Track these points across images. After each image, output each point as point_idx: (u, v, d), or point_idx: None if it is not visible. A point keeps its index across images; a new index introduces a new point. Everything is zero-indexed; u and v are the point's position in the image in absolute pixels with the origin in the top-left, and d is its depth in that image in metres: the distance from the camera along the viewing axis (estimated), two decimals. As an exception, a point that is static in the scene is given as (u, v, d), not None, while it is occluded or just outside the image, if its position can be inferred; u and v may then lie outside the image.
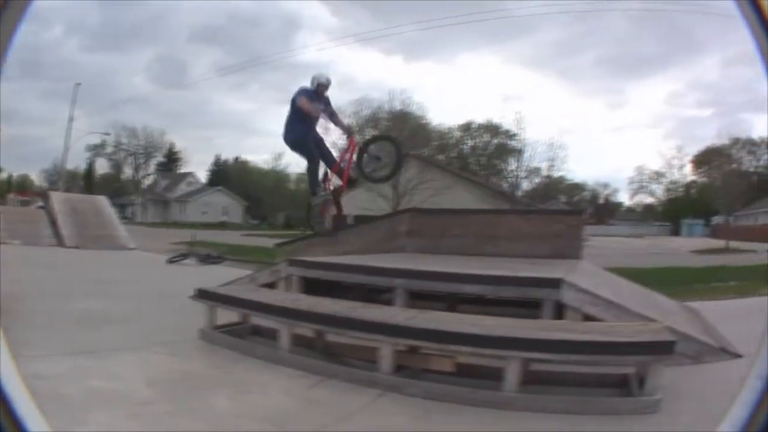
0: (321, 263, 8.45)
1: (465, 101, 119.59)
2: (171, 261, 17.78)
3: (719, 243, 44.29)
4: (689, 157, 78.41)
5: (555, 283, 6.36)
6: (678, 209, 78.98)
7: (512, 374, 4.88)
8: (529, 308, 6.79)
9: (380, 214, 18.88)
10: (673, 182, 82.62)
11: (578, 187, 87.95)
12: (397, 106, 52.53)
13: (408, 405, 4.92)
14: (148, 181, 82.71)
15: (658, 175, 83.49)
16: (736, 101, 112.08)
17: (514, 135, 60.34)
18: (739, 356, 6.11)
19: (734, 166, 71.14)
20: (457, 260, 8.50)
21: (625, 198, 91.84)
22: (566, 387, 5.18)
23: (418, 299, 7.44)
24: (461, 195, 39.56)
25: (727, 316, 8.91)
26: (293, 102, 9.64)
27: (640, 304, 6.92)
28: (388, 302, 7.39)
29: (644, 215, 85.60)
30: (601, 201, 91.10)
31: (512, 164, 60.92)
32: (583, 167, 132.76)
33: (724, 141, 76.68)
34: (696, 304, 9.85)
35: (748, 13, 1.83)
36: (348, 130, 10.69)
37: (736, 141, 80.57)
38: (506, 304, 7.15)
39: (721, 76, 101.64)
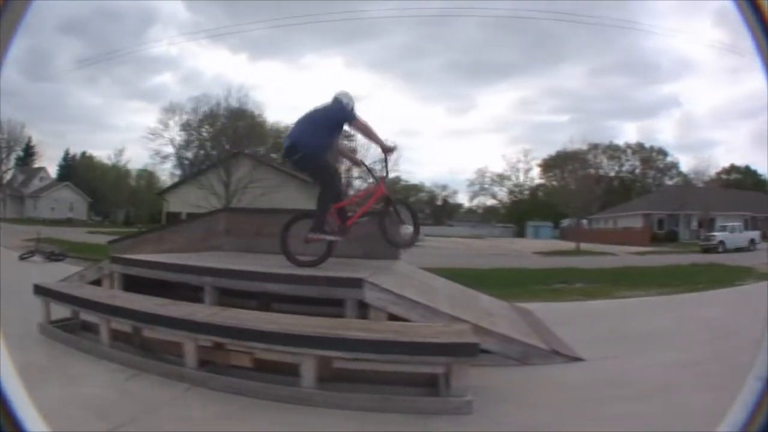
0: (139, 261, 8.48)
1: (306, 101, 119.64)
2: (22, 258, 18.35)
3: (569, 245, 46.23)
4: (537, 161, 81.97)
5: (356, 283, 6.49)
6: (523, 212, 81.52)
7: (308, 371, 5.01)
8: (341, 307, 6.74)
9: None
10: (517, 185, 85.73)
11: (415, 188, 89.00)
12: (234, 104, 52.26)
13: (213, 399, 5.06)
14: (8, 176, 78.71)
15: (501, 178, 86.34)
16: (597, 108, 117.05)
17: (350, 135, 60.79)
18: (578, 359, 6.37)
19: (591, 170, 72.90)
20: (270, 259, 8.42)
21: (465, 200, 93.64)
22: (373, 385, 5.25)
23: (234, 297, 7.48)
24: (292, 194, 39.60)
25: (571, 318, 9.44)
26: (348, 112, 8.10)
27: (455, 305, 7.10)
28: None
29: (485, 217, 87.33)
30: (439, 202, 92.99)
31: (348, 164, 61.25)
32: (423, 169, 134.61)
33: (581, 146, 79.68)
34: (536, 306, 10.25)
35: (747, 14, 1.81)
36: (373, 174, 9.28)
37: (594, 146, 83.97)
38: (319, 303, 7.09)
39: (586, 84, 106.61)
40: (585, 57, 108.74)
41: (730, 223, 51.19)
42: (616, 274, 19.33)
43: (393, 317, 6.21)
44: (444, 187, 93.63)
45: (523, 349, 6.23)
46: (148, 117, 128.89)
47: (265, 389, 5.10)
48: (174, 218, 37.45)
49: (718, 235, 47.66)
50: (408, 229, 8.67)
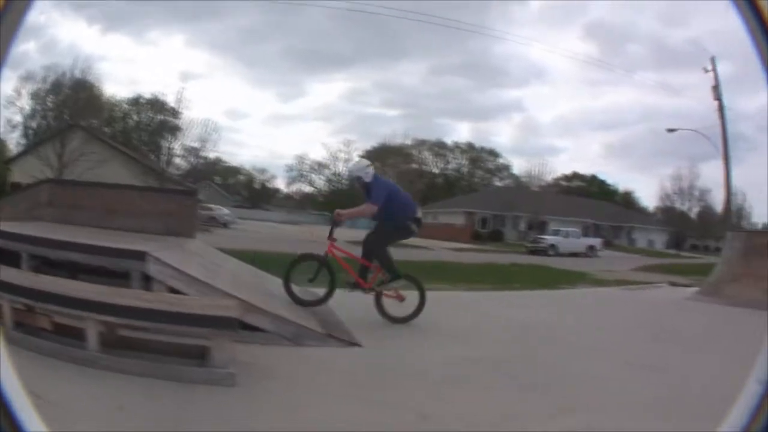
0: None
1: (146, 76, 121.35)
2: None
3: None
4: (358, 152, 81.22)
5: (140, 256, 6.71)
6: (340, 201, 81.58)
7: (92, 335, 5.24)
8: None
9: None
10: (336, 174, 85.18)
11: (235, 171, 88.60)
12: (78, 75, 50.77)
13: (25, 359, 4.81)
14: None
15: (320, 166, 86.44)
16: (432, 106, 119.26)
17: (177, 113, 60.16)
18: (355, 344, 6.69)
19: (414, 165, 75.33)
20: (80, 231, 8.53)
21: (283, 185, 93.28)
22: (151, 353, 5.46)
23: (56, 267, 7.48)
24: (117, 170, 39.28)
25: (366, 307, 9.33)
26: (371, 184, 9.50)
27: (236, 285, 7.38)
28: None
29: (302, 203, 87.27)
30: (257, 186, 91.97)
31: (171, 142, 60.48)
32: (246, 152, 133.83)
33: (405, 141, 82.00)
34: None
35: (746, 14, 1.81)
36: None
37: (421, 142, 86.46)
38: (120, 275, 7.12)
39: (424, 81, 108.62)
40: (428, 56, 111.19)
41: (565, 228, 52.90)
42: (425, 268, 18.93)
43: (174, 291, 6.40)
44: (263, 171, 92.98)
45: (296, 330, 6.55)
46: (9, 85, 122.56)
47: (61, 350, 5.32)
48: (16, 188, 36.18)
49: (549, 238, 49.02)
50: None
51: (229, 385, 4.93)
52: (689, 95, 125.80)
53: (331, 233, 9.17)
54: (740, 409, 1.72)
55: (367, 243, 9.34)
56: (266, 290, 8.46)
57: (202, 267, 7.50)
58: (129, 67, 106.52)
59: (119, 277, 7.13)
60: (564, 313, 11.53)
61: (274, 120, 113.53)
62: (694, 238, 75.78)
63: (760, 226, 61.83)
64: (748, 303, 12.27)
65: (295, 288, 8.40)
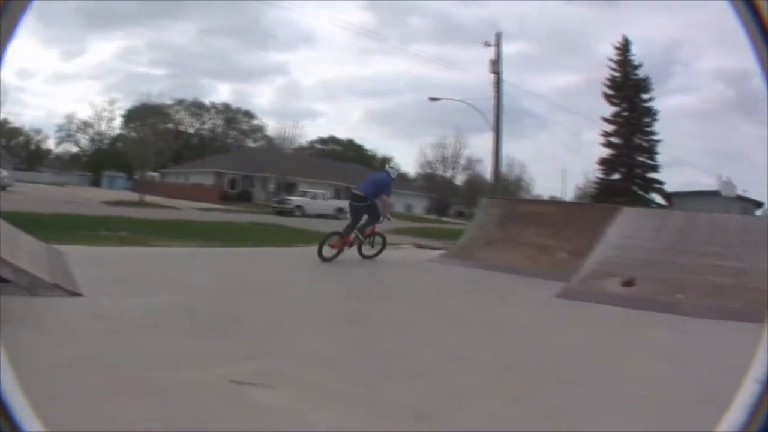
0: None
1: None
2: None
3: (134, 196, 46.39)
4: (122, 111, 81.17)
5: None
6: (101, 161, 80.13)
7: None
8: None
9: None
10: (99, 133, 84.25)
11: (17, 132, 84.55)
12: None
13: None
14: None
15: (86, 126, 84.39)
16: (198, 66, 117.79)
17: None
18: (76, 294, 7.15)
19: (170, 125, 73.72)
20: None
21: (57, 146, 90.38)
22: None
23: None
24: None
25: (99, 261, 10.08)
26: (391, 181, 14.71)
27: None
28: None
29: (69, 164, 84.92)
30: (33, 147, 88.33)
31: None
32: (29, 112, 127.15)
33: (165, 100, 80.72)
34: (73, 249, 10.79)
35: (744, 14, 1.72)
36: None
37: (179, 102, 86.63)
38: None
39: (193, 41, 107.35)
40: (203, 16, 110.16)
41: (313, 190, 53.80)
42: (164, 226, 20.26)
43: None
44: (38, 131, 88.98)
45: (31, 280, 6.91)
46: None
47: None
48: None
49: (296, 199, 49.91)
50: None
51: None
52: (472, 70, 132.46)
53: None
54: (738, 409, 1.66)
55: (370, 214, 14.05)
56: (14, 244, 8.50)
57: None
58: None
59: None
60: (282, 268, 12.39)
61: (55, 79, 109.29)
62: (462, 206, 78.81)
63: (546, 198, 66.19)
64: (498, 267, 13.38)
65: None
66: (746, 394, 1.67)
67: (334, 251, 13.29)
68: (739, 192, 51.50)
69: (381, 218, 14.22)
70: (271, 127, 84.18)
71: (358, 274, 12.78)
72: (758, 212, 49.46)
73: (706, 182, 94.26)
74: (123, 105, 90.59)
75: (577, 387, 5.17)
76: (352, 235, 13.75)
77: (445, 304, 9.68)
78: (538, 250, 13.84)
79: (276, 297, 8.78)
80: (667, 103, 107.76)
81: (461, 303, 9.91)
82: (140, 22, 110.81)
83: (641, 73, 66.00)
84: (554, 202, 18.84)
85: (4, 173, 50.18)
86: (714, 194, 48.20)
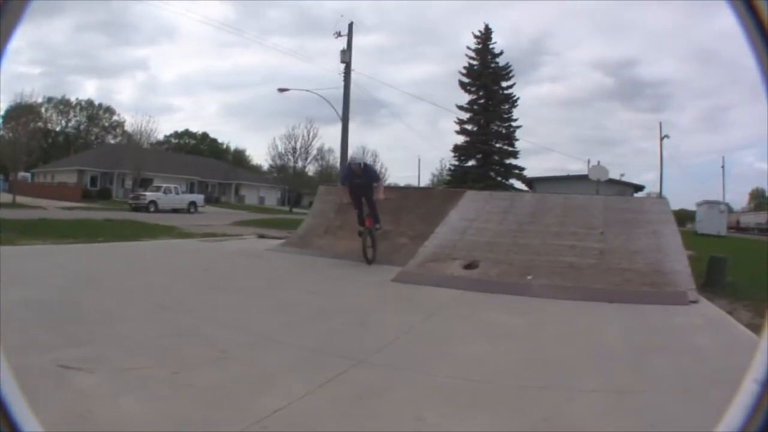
0: None
1: None
2: None
3: (9, 198, 44.80)
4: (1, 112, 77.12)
5: None
6: None
7: None
8: None
9: None
10: None
11: None
12: None
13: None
14: None
15: None
16: (68, 64, 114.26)
17: None
18: None
19: (40, 124, 70.56)
20: None
21: None
22: None
23: None
24: None
25: None
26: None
27: None
28: None
29: None
30: None
31: None
32: None
33: (36, 99, 77.34)
34: None
35: (743, 14, 1.66)
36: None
37: (49, 100, 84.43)
38: None
39: (69, 39, 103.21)
40: (78, 12, 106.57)
41: (166, 185, 53.70)
42: (30, 225, 20.26)
43: None
44: None
45: None
46: None
47: None
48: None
49: (150, 195, 49.86)
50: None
51: None
52: (325, 62, 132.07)
53: (363, 216, 13.63)
54: (737, 410, 1.62)
55: (370, 200, 13.51)
56: None
57: None
58: None
59: None
60: (124, 261, 12.71)
61: None
62: (314, 196, 78.45)
63: (402, 185, 67.33)
64: (336, 254, 13.61)
65: None
66: (745, 394, 1.65)
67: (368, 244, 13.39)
68: (616, 177, 53.54)
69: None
70: (130, 122, 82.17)
71: (193, 264, 12.89)
72: (638, 195, 49.48)
73: (576, 168, 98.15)
74: (2, 106, 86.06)
75: (390, 369, 5.29)
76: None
77: (273, 290, 9.80)
78: (378, 236, 13.79)
79: (113, 289, 8.84)
80: (535, 92, 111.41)
81: (290, 289, 10.01)
82: (29, 20, 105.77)
83: (502, 61, 67.79)
84: (396, 188, 19.18)
85: None
86: (582, 178, 49.58)
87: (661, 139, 67.73)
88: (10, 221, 21.21)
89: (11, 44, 1.75)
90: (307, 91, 41.94)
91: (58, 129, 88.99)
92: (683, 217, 58.03)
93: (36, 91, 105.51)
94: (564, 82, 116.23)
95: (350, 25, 37.49)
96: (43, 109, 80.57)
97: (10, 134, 54.79)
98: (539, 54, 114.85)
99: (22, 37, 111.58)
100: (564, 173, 62.08)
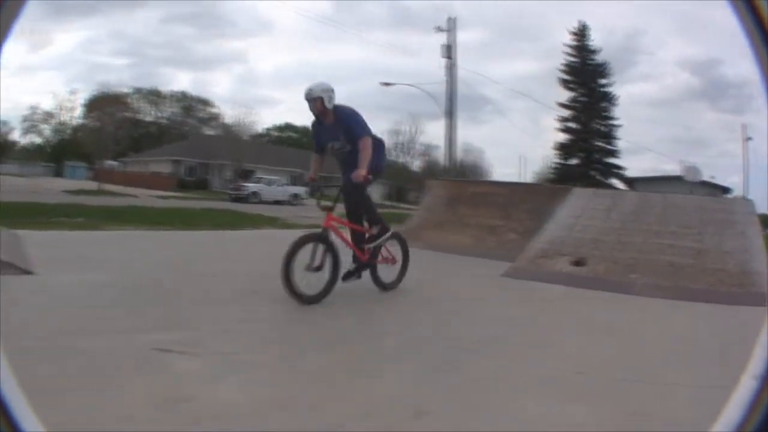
0: None
1: None
2: None
3: (95, 185, 46.52)
4: (83, 101, 78.92)
5: None
6: (64, 151, 78.88)
7: None
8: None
9: None
10: (61, 123, 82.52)
11: None
12: None
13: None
14: None
15: (48, 116, 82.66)
16: (157, 55, 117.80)
17: None
18: (28, 272, 7.42)
19: (128, 114, 72.84)
20: None
21: (19, 137, 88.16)
22: None
23: None
24: None
25: (53, 243, 10.55)
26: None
27: None
28: None
29: (33, 155, 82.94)
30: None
31: None
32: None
33: (124, 89, 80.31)
34: (28, 233, 11.03)
35: (743, 14, 1.65)
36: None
37: (138, 90, 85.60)
38: None
39: (153, 31, 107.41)
40: (162, 5, 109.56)
41: (268, 177, 54.06)
42: (119, 212, 20.65)
43: None
44: (5, 123, 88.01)
45: None
46: None
47: None
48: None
49: (252, 186, 50.04)
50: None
51: None
52: (426, 57, 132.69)
53: (333, 202, 7.62)
54: (736, 406, 1.63)
55: (353, 196, 7.80)
56: None
57: None
58: None
59: None
60: (220, 249, 12.71)
61: (21, 71, 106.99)
62: (418, 191, 78.83)
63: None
64: (446, 248, 13.22)
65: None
66: (743, 390, 1.64)
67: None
68: (706, 178, 52.26)
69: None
70: (229, 114, 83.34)
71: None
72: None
73: (669, 168, 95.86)
74: (84, 95, 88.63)
75: (496, 360, 5.24)
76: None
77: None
78: (487, 230, 13.69)
79: (204, 274, 8.77)
80: (629, 91, 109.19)
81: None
82: (103, 11, 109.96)
83: (599, 58, 66.83)
84: (504, 183, 18.74)
85: None
86: (677, 179, 48.57)
87: (745, 141, 65.02)
88: (97, 208, 21.77)
89: (6, 44, 1.67)
90: (410, 85, 41.81)
91: (148, 119, 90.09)
92: (765, 222, 56.14)
93: (123, 82, 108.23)
94: (655, 81, 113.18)
95: (453, 20, 36.99)
96: (130, 99, 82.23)
97: (93, 123, 56.09)
98: (632, 52, 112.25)
99: (99, 27, 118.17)
100: (659, 174, 60.95)
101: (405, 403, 3.93)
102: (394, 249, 8.25)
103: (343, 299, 7.19)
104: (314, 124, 7.92)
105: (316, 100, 7.49)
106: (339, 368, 4.73)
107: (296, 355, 4.98)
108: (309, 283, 6.79)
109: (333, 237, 7.19)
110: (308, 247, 6.91)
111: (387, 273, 8.09)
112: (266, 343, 5.36)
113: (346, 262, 7.53)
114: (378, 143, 7.83)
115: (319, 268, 6.92)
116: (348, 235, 7.79)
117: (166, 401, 3.63)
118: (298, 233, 7.52)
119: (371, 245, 7.77)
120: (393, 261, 8.13)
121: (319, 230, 7.14)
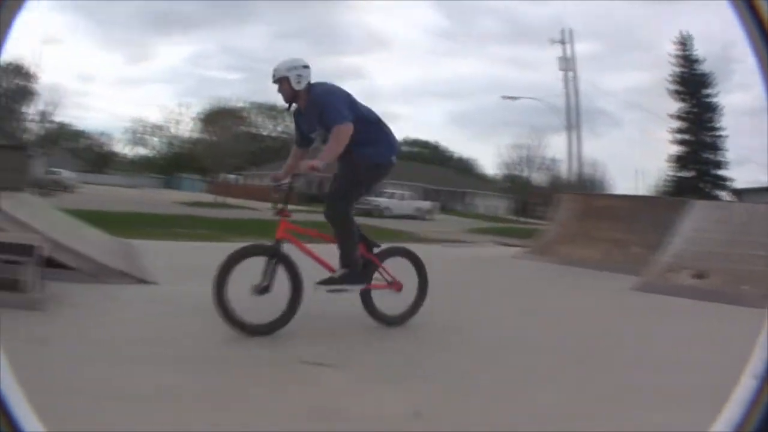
0: None
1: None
2: None
3: (210, 198, 47.92)
4: (193, 115, 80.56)
5: None
6: (177, 163, 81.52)
7: None
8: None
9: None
10: (174, 137, 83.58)
11: (80, 135, 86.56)
12: None
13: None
14: None
15: (156, 129, 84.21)
16: (266, 69, 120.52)
17: (34, 77, 57.57)
18: (145, 281, 7.47)
19: (243, 128, 73.28)
20: None
21: (125, 149, 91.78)
22: None
23: None
24: None
25: (167, 252, 10.87)
26: None
27: (51, 227, 7.82)
28: None
29: (141, 167, 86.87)
30: (100, 150, 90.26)
31: (28, 107, 57.97)
32: (92, 115, 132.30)
33: (240, 104, 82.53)
34: (143, 243, 11.39)
35: (743, 14, 1.72)
36: None
37: (255, 105, 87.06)
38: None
39: (267, 46, 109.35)
40: (273, 20, 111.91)
41: (399, 191, 53.44)
42: (233, 224, 21.52)
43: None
44: (105, 135, 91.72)
45: (96, 267, 7.23)
46: None
47: None
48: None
49: (382, 200, 49.37)
50: None
51: (38, 309, 5.54)
52: (541, 70, 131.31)
53: (284, 204, 5.98)
54: (736, 405, 1.66)
55: (327, 202, 6.16)
56: (79, 235, 9.12)
57: (23, 212, 7.65)
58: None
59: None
60: None
61: (120, 83, 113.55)
62: (543, 206, 77.13)
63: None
64: (576, 262, 13.36)
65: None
66: (743, 390, 1.69)
67: None
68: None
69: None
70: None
71: (446, 268, 11.75)
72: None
73: None
74: (195, 109, 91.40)
75: (619, 372, 5.23)
76: None
77: (520, 295, 9.75)
78: (613, 244, 13.66)
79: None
80: (728, 100, 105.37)
81: (538, 294, 9.95)
82: (208, 26, 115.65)
83: (703, 68, 64.73)
84: (626, 196, 18.50)
85: (69, 174, 52.82)
86: (779, 190, 46.53)
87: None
88: (215, 220, 22.68)
89: (6, 42, 1.78)
90: (532, 99, 41.37)
91: (265, 133, 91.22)
92: None
93: (236, 96, 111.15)
94: (751, 90, 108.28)
95: (569, 32, 36.51)
96: (246, 113, 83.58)
97: (209, 137, 57.28)
98: (730, 61, 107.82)
99: (206, 42, 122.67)
100: (764, 185, 58.47)
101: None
102: (407, 270, 6.32)
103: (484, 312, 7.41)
104: (295, 113, 6.23)
105: (282, 81, 5.87)
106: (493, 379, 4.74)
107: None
108: (258, 307, 5.42)
109: (285, 250, 5.59)
110: (252, 262, 5.48)
111: (392, 302, 6.17)
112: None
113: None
114: (372, 128, 6.12)
115: (265, 290, 5.43)
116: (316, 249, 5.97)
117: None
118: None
119: (331, 288, 5.84)
120: (397, 287, 6.18)
121: (268, 242, 5.63)
